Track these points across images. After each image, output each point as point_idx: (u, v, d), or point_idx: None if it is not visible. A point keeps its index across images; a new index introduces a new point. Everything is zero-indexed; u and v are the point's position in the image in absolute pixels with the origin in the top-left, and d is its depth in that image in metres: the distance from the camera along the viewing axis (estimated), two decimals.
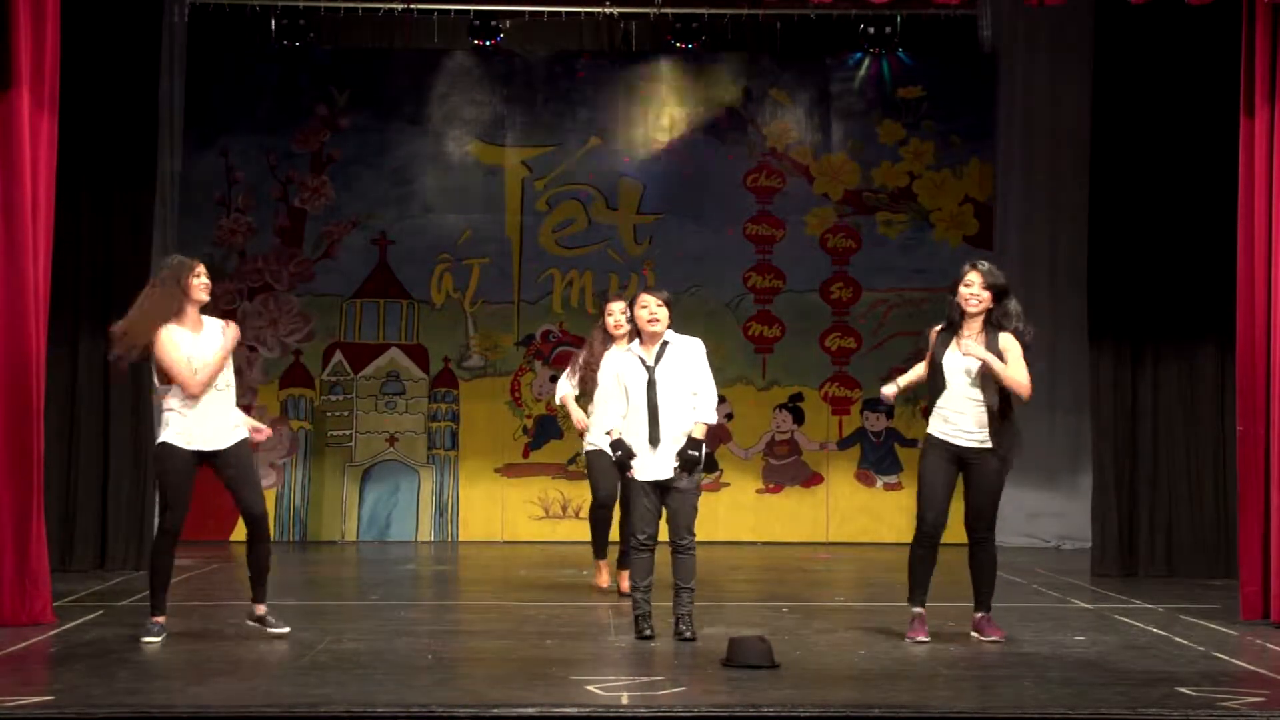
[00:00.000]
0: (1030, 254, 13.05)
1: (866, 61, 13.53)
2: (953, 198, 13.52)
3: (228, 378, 7.74)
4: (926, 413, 7.92)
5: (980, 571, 7.84)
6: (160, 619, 7.66)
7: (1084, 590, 10.13)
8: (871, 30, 13.23)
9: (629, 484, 7.98)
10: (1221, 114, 9.58)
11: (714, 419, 7.77)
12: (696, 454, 7.66)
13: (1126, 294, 11.02)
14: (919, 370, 7.96)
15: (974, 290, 7.68)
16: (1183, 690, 6.45)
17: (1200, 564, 10.74)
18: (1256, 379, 8.60)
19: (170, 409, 7.62)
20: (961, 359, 7.68)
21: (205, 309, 7.78)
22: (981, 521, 7.77)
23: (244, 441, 7.77)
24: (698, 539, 7.79)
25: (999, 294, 7.70)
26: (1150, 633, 8.17)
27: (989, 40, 13.48)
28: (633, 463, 7.74)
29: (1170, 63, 10.70)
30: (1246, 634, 8.11)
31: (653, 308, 7.77)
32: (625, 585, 9.42)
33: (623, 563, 9.49)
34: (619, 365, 8.00)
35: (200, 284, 7.68)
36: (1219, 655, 7.42)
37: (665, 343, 7.81)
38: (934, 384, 7.75)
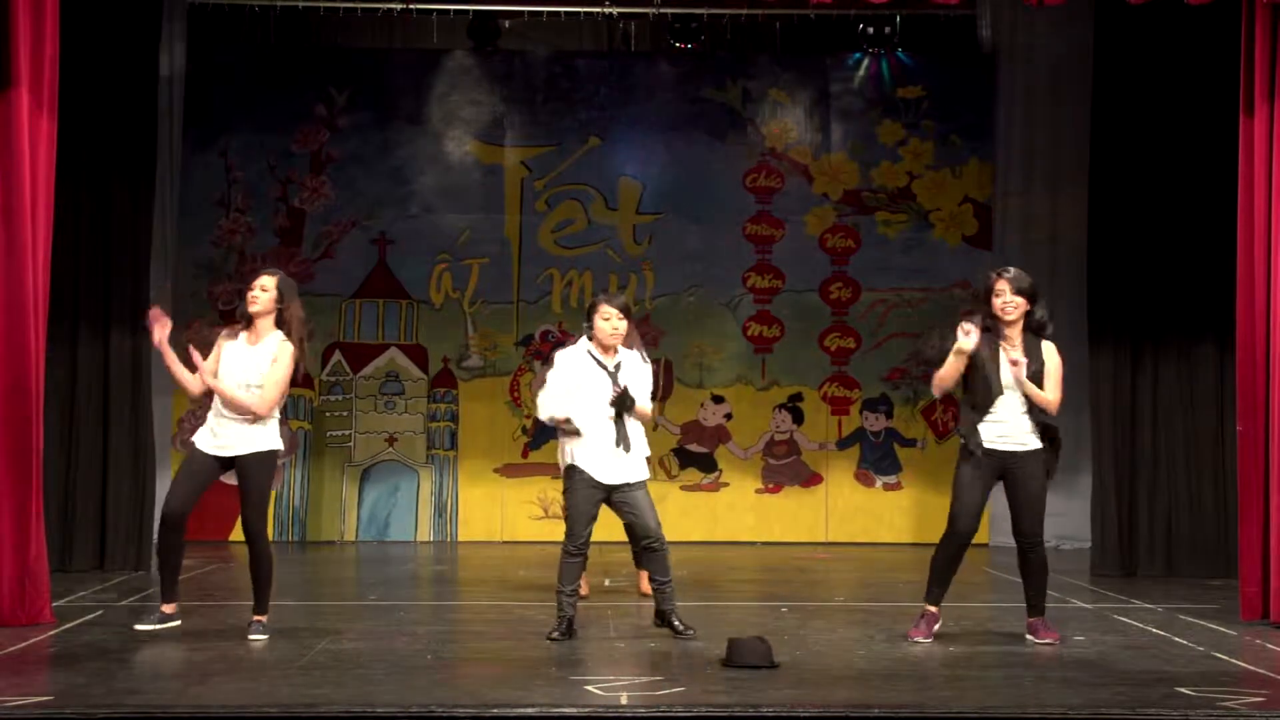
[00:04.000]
0: (1030, 254, 13.04)
1: (866, 61, 13.54)
2: (952, 198, 13.53)
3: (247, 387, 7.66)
4: (957, 417, 7.88)
5: (1032, 576, 7.80)
6: (166, 607, 7.74)
7: (1084, 590, 10.14)
8: (871, 30, 13.24)
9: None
10: (1221, 114, 9.57)
11: (649, 411, 7.92)
12: (629, 399, 7.78)
13: (1126, 294, 11.02)
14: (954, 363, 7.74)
15: (1006, 298, 7.65)
16: (1183, 690, 6.45)
17: (1200, 564, 10.75)
18: (1256, 379, 8.60)
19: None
20: (1013, 368, 7.64)
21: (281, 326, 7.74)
22: (1034, 528, 7.73)
23: (264, 454, 7.67)
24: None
25: (1031, 297, 7.69)
26: (1150, 633, 8.17)
27: (989, 40, 13.48)
28: (596, 465, 7.73)
29: (1170, 63, 10.71)
30: (1246, 634, 8.11)
31: (615, 320, 7.80)
32: (645, 585, 9.42)
33: (638, 562, 9.49)
34: (577, 369, 7.87)
35: (250, 296, 7.69)
36: (1219, 655, 7.43)
37: (622, 353, 7.88)
38: (985, 389, 7.65)
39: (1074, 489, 12.61)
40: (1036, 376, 7.63)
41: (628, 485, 7.78)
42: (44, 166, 8.20)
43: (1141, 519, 10.93)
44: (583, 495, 7.77)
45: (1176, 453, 10.94)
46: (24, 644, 7.48)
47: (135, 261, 10.86)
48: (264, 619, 7.75)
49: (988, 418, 7.64)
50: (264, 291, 7.67)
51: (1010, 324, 7.68)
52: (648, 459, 7.93)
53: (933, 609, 7.80)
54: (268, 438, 7.68)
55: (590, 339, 7.88)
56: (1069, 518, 12.66)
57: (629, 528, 7.93)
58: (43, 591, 8.15)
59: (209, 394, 7.72)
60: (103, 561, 10.62)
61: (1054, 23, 12.50)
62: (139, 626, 7.75)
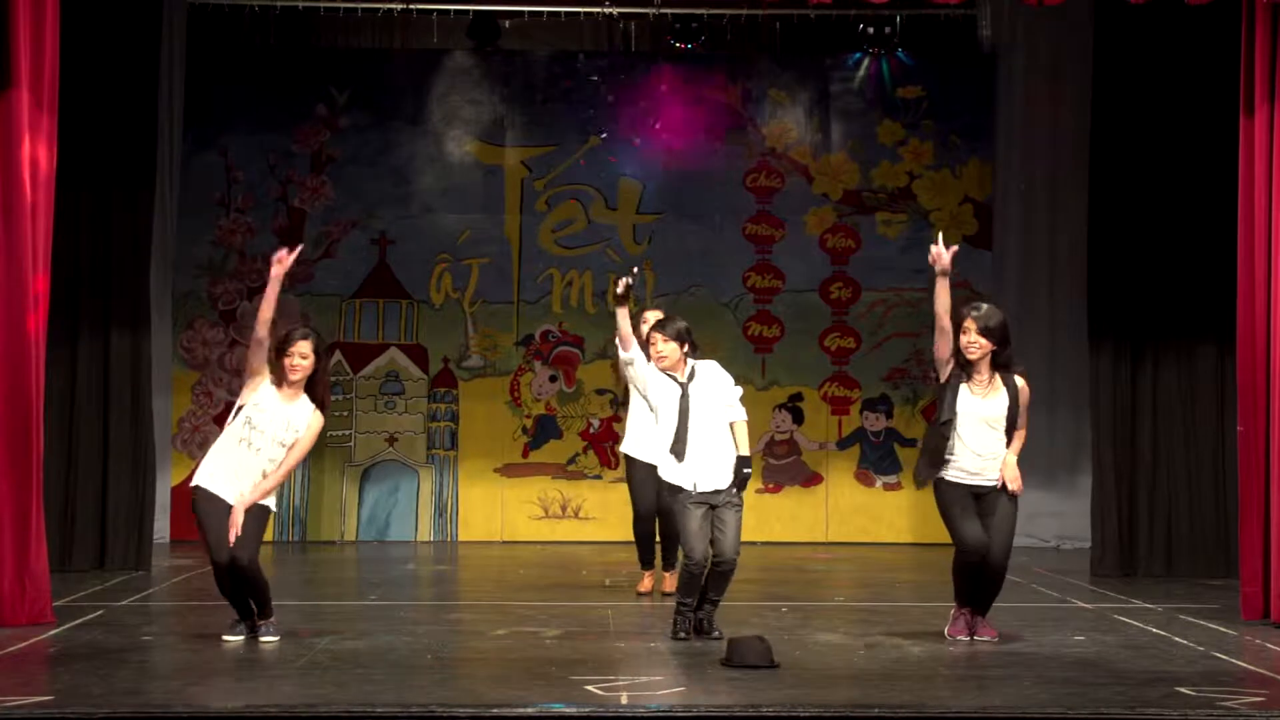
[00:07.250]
0: (1030, 254, 13.06)
1: (866, 61, 13.53)
2: (952, 198, 13.53)
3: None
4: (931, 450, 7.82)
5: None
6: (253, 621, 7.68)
7: (1084, 590, 10.13)
8: (871, 30, 13.23)
9: (664, 493, 8.03)
10: (1221, 114, 9.58)
11: (743, 418, 7.83)
12: (748, 470, 7.76)
13: (1126, 294, 11.02)
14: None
15: (971, 338, 7.63)
16: (1183, 690, 6.45)
17: (1200, 564, 10.74)
18: (1256, 379, 8.60)
19: None
20: (978, 406, 7.60)
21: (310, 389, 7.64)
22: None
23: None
24: None
25: (1001, 338, 7.65)
26: (1150, 633, 8.17)
27: (989, 40, 13.46)
28: (686, 476, 7.68)
29: (1170, 63, 10.70)
30: (1246, 634, 8.11)
31: (659, 346, 7.76)
32: (669, 585, 9.40)
33: (668, 564, 9.46)
34: (656, 384, 7.88)
35: (290, 364, 7.53)
36: (1219, 655, 7.43)
37: (694, 366, 7.80)
38: (945, 425, 7.64)
39: (1074, 489, 12.61)
40: (1013, 416, 7.62)
41: (722, 500, 7.70)
42: (44, 166, 8.21)
43: (1141, 519, 10.93)
44: (684, 509, 7.73)
45: (1176, 453, 10.94)
46: (24, 644, 7.48)
47: (135, 261, 10.86)
48: (272, 621, 7.74)
49: (951, 458, 7.66)
50: (304, 359, 7.53)
51: (973, 362, 7.65)
52: (745, 477, 7.79)
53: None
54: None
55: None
56: (1069, 518, 12.67)
57: (712, 541, 7.90)
58: (43, 591, 8.16)
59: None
60: (103, 561, 10.62)
61: (1054, 23, 12.49)
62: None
